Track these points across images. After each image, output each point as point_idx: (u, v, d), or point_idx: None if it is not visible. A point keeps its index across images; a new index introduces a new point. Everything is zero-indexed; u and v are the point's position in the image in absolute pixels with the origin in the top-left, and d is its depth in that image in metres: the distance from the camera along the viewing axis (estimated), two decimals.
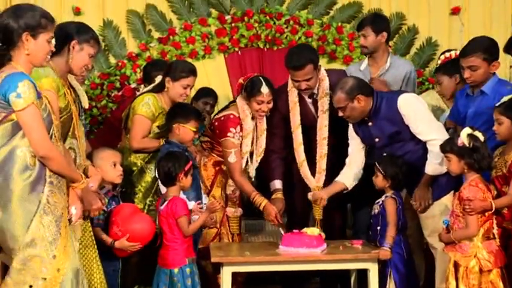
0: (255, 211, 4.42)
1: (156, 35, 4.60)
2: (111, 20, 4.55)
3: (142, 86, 4.04)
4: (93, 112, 4.49)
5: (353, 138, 3.59)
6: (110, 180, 3.30)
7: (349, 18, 4.75)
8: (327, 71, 3.71)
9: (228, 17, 4.64)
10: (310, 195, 3.63)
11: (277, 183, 3.70)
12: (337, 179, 3.60)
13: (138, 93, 3.81)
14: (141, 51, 4.56)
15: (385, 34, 3.95)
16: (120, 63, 4.55)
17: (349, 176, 3.57)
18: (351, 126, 3.58)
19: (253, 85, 3.61)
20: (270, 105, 3.64)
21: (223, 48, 4.62)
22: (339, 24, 4.72)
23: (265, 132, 3.73)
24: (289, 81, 3.68)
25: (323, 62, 4.61)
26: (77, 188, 2.68)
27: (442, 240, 3.13)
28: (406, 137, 3.42)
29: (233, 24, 4.63)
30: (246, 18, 4.64)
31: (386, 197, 3.40)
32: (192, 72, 3.62)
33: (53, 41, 2.56)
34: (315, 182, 3.67)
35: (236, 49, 4.64)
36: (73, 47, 2.83)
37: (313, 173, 3.69)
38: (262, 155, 3.73)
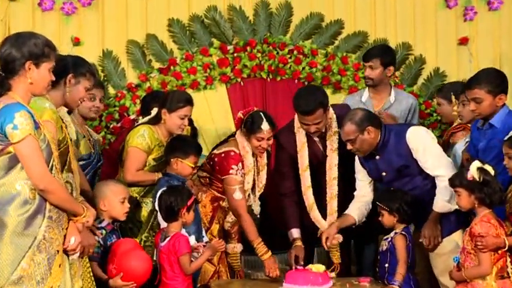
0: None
1: (156, 65, 4.62)
2: (111, 50, 4.58)
3: (140, 117, 4.07)
4: None
5: (359, 171, 3.60)
6: (115, 215, 3.25)
7: (354, 48, 4.77)
8: (333, 106, 3.72)
9: (230, 47, 4.67)
10: (323, 238, 3.52)
11: (295, 233, 3.68)
12: (346, 211, 3.58)
13: (134, 125, 3.83)
14: (141, 81, 4.58)
15: (392, 68, 4.01)
16: (119, 94, 4.57)
17: (358, 211, 3.56)
18: (357, 159, 3.59)
19: (254, 121, 3.62)
20: (270, 142, 3.66)
21: (225, 78, 4.64)
22: (344, 54, 4.74)
23: (265, 167, 3.77)
24: (296, 121, 3.69)
25: (328, 93, 4.50)
26: (78, 222, 2.67)
27: (453, 279, 3.11)
28: (414, 171, 3.43)
29: (235, 54, 4.65)
30: (248, 48, 4.66)
31: (396, 233, 3.38)
32: (189, 101, 3.64)
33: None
34: (326, 225, 3.65)
35: (238, 80, 4.66)
36: (69, 81, 2.86)
37: (323, 215, 3.68)
38: (262, 190, 3.77)
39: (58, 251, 2.55)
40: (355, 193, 3.62)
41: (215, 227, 3.74)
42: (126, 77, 4.60)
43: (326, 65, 4.72)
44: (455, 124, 4.07)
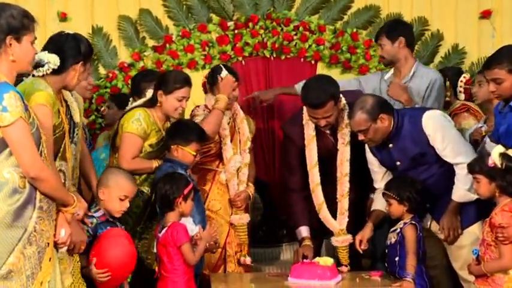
0: (263, 239, 4.45)
1: (150, 43, 4.62)
2: (101, 26, 4.58)
3: (131, 99, 4.04)
4: None
5: (373, 162, 3.59)
6: (110, 210, 3.16)
7: (365, 24, 4.76)
8: (343, 93, 3.66)
9: (230, 23, 4.66)
10: (356, 241, 3.51)
11: (304, 231, 3.69)
12: (374, 207, 3.58)
13: (127, 107, 3.82)
14: (134, 61, 4.58)
15: (402, 40, 3.96)
16: (110, 74, 4.57)
17: (385, 203, 3.52)
18: (367, 148, 3.57)
19: (213, 73, 3.76)
20: (237, 93, 3.77)
21: (225, 57, 4.64)
22: (354, 30, 4.73)
23: (244, 120, 3.88)
24: (305, 112, 3.66)
25: (336, 73, 4.67)
26: (67, 213, 2.67)
27: (472, 273, 3.11)
28: (431, 159, 3.42)
29: (236, 31, 4.65)
30: (250, 25, 4.66)
31: (405, 223, 3.38)
32: (187, 82, 3.63)
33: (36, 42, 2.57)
34: (337, 225, 3.66)
35: (239, 59, 4.67)
36: (79, 68, 2.86)
37: (333, 215, 3.67)
38: (249, 143, 3.87)
39: (48, 244, 2.55)
40: (375, 185, 3.61)
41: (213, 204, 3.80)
42: (117, 55, 4.60)
43: (334, 42, 4.71)
44: (457, 105, 4.05)
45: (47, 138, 2.62)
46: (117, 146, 3.58)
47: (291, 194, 3.77)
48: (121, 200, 3.15)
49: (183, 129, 3.52)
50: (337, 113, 3.57)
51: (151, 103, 3.63)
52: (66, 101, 2.95)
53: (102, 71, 4.60)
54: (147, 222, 3.55)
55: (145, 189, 3.53)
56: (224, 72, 3.73)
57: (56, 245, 2.65)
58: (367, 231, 3.51)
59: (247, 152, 3.89)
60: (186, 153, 3.46)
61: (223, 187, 3.84)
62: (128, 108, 3.78)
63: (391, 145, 3.45)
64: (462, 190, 3.32)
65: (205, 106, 3.82)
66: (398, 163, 3.47)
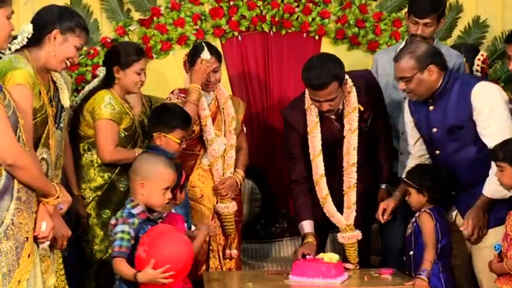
0: (259, 233, 4.44)
1: (136, 15, 4.58)
2: None
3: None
4: None
5: (409, 122, 3.57)
6: (152, 204, 3.06)
7: None
8: (349, 73, 3.66)
9: None
10: (379, 210, 3.56)
11: (307, 226, 3.69)
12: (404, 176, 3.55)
13: (84, 91, 3.84)
14: (118, 35, 4.54)
15: (443, 20, 3.95)
16: (92, 51, 4.53)
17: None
18: (406, 107, 3.55)
19: (194, 52, 3.85)
20: (218, 76, 3.87)
21: (219, 32, 4.61)
22: (363, 1, 4.70)
23: (229, 100, 3.97)
24: (307, 97, 3.66)
25: (342, 49, 4.65)
26: (49, 204, 2.67)
27: (493, 271, 3.10)
28: (467, 136, 3.36)
29: (231, 3, 4.60)
30: None
31: (420, 211, 3.38)
32: (142, 52, 3.80)
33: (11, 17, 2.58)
34: (344, 220, 3.65)
35: (235, 33, 4.64)
36: (54, 38, 2.84)
37: (340, 209, 3.66)
38: (235, 123, 3.93)
39: (27, 238, 2.56)
40: (409, 149, 3.59)
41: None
42: (99, 30, 4.56)
43: (341, 15, 4.69)
44: None
45: (26, 123, 2.62)
46: (84, 136, 3.62)
47: (294, 185, 3.78)
48: (164, 192, 3.06)
49: (165, 115, 3.53)
50: (342, 96, 3.56)
51: (108, 82, 3.69)
52: (54, 82, 2.95)
53: None
54: None
55: (126, 177, 3.51)
56: (205, 53, 3.79)
57: (37, 240, 2.65)
58: (393, 201, 3.53)
59: (232, 134, 3.92)
60: (169, 141, 3.47)
61: (206, 173, 3.87)
62: (84, 91, 3.80)
63: (431, 107, 3.42)
64: (496, 185, 3.21)
65: (180, 91, 3.87)
66: (434, 130, 3.42)
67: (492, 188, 3.26)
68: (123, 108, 3.65)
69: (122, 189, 3.60)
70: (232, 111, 3.95)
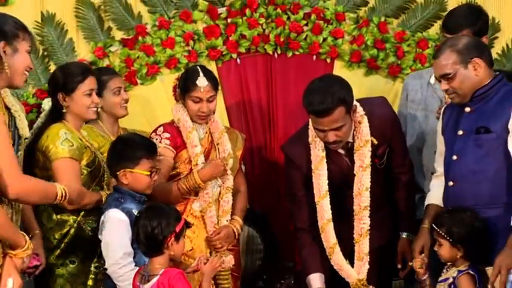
0: None
1: (118, 35, 4.60)
2: (53, 13, 4.51)
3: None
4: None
5: (439, 130, 3.58)
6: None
7: (397, 11, 4.74)
8: (360, 101, 3.64)
9: (222, 10, 4.63)
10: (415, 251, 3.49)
11: (316, 280, 3.68)
12: (429, 200, 3.55)
13: (33, 129, 3.80)
14: (97, 58, 4.54)
15: (486, 38, 3.93)
16: None
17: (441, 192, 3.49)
18: (440, 116, 3.56)
19: (187, 77, 3.90)
20: (213, 106, 3.89)
21: (215, 54, 4.62)
22: (382, 19, 4.70)
23: (225, 134, 3.98)
24: (311, 128, 3.64)
25: (359, 74, 4.70)
26: (16, 257, 2.69)
27: None
28: (493, 143, 3.28)
29: (229, 20, 4.62)
30: (247, 12, 4.62)
31: (460, 272, 3.30)
32: (87, 70, 3.79)
33: None
34: (355, 273, 3.64)
35: (234, 56, 4.66)
36: (4, 52, 2.83)
37: (350, 260, 3.64)
38: (231, 161, 3.93)
39: None
40: (435, 166, 3.58)
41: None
42: (75, 51, 4.57)
43: (356, 34, 4.69)
44: None
45: None
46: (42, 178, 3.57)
47: (300, 234, 3.77)
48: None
49: (124, 148, 3.55)
50: (351, 125, 3.52)
51: (57, 114, 3.70)
52: (9, 109, 2.92)
53: None
54: (100, 259, 3.57)
55: (93, 219, 3.60)
56: (202, 80, 3.82)
57: None
58: (426, 238, 3.45)
59: (229, 174, 3.91)
60: (137, 176, 3.49)
61: (197, 221, 3.86)
62: (33, 130, 3.79)
63: (468, 108, 3.38)
64: None
65: (165, 128, 3.89)
66: (460, 132, 3.38)
67: None
68: (82, 141, 3.66)
69: (89, 233, 3.62)
70: (228, 146, 3.94)
